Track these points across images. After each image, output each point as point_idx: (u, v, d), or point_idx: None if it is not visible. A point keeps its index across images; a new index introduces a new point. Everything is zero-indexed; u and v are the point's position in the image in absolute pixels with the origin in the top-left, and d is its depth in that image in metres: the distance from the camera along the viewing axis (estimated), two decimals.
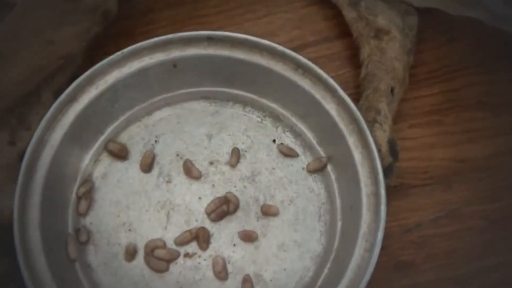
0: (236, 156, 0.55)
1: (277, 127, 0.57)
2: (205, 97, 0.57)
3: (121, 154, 0.55)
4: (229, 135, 0.56)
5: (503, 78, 0.61)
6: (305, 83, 0.54)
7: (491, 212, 0.56)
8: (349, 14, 0.61)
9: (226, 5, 0.64)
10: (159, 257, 0.52)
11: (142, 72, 0.54)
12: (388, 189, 0.50)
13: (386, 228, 0.49)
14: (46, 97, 0.54)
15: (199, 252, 0.52)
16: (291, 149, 0.56)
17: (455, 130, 0.59)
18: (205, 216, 0.53)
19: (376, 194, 0.50)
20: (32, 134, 0.52)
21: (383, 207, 0.49)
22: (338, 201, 0.53)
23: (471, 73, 0.61)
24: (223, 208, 0.53)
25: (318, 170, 0.55)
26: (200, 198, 0.54)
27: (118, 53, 0.53)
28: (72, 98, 0.52)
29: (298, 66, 0.54)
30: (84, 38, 0.54)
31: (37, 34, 0.52)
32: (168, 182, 0.55)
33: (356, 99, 0.57)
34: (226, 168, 0.55)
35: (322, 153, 0.55)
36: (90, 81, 0.53)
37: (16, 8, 0.53)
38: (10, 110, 0.52)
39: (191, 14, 0.63)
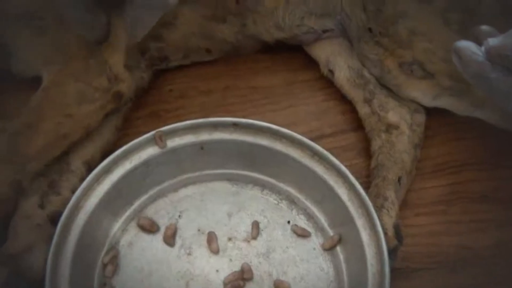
0: (256, 228, 0.59)
1: (292, 210, 0.60)
2: (228, 179, 0.62)
3: (151, 229, 0.59)
4: (248, 214, 0.60)
5: (508, 175, 0.64)
6: (319, 170, 0.58)
7: None
8: (363, 110, 0.65)
9: (251, 95, 0.68)
10: None
11: (173, 152, 0.59)
12: (392, 271, 0.53)
13: None
14: (75, 166, 0.59)
15: None
16: (304, 230, 0.59)
17: (460, 220, 0.61)
18: (222, 287, 0.56)
19: (381, 272, 0.53)
20: (62, 199, 0.57)
21: (387, 281, 0.52)
22: (345, 279, 0.56)
23: (476, 169, 0.64)
24: (239, 282, 0.56)
25: (332, 247, 0.57)
26: (217, 271, 0.57)
27: (153, 132, 0.58)
28: (107, 170, 0.57)
29: (314, 154, 0.58)
30: (101, 112, 0.60)
31: (57, 110, 0.58)
32: (189, 254, 0.58)
33: (367, 188, 0.60)
34: (244, 244, 0.59)
35: (332, 234, 0.58)
36: (125, 156, 0.58)
37: (41, 87, 0.59)
38: (41, 176, 0.57)
39: (220, 103, 0.68)
